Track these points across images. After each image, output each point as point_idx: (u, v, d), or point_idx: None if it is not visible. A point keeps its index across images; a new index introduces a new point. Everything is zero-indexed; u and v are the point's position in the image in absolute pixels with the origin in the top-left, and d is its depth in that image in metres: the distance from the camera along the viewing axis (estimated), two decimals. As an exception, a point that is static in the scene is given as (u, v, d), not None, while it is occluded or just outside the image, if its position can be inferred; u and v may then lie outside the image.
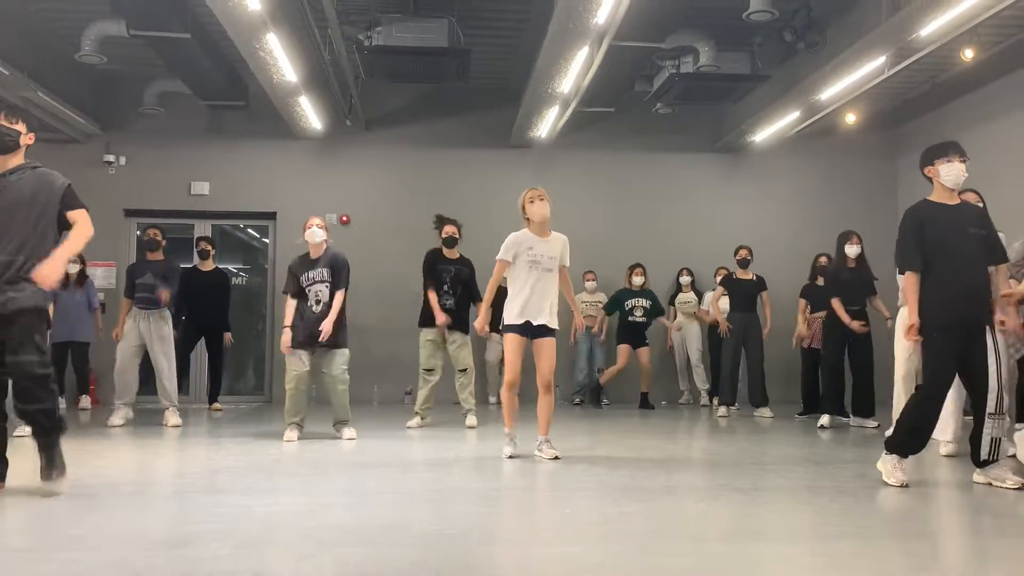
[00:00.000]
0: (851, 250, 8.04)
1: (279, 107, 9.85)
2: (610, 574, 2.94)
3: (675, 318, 10.92)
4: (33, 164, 4.31)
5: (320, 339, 6.57)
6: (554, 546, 3.46)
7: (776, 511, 4.15)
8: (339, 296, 6.71)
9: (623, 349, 9.99)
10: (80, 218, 4.26)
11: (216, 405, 9.62)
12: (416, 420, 7.66)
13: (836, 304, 8.01)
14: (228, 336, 9.74)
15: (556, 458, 5.59)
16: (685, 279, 10.86)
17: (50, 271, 4.04)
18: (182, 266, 8.58)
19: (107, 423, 7.68)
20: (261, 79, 8.81)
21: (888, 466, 4.69)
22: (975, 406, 4.67)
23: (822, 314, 8.47)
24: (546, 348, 5.66)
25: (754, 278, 9.33)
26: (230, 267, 12.04)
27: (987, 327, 4.66)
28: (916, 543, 3.64)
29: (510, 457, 5.65)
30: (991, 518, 4.09)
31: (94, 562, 3.06)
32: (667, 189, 11.60)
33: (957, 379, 4.75)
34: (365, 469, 5.40)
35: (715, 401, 10.36)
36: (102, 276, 10.59)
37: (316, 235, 6.75)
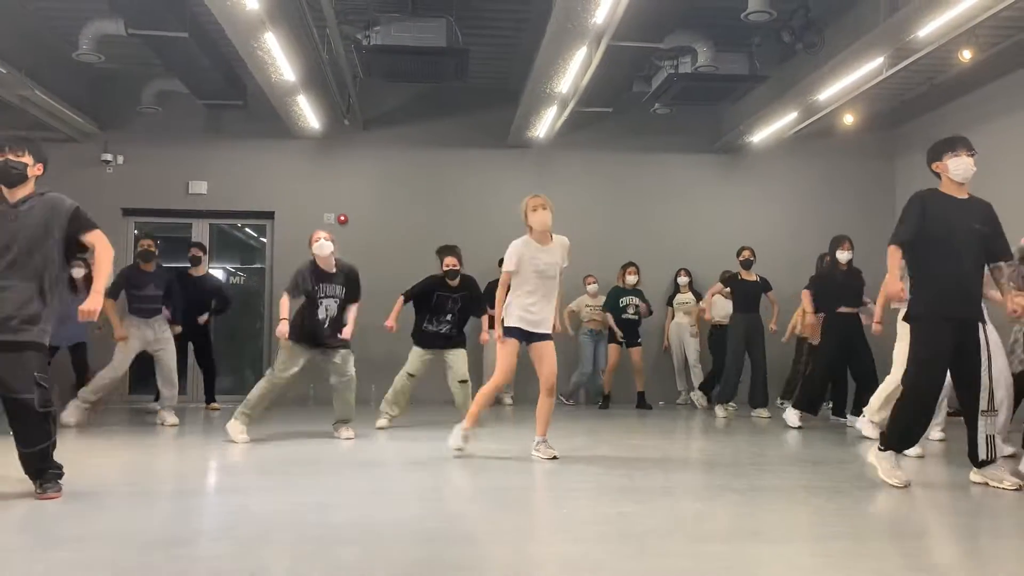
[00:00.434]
0: (843, 256, 8.13)
1: (277, 106, 9.84)
2: (608, 574, 2.94)
3: (672, 319, 10.92)
4: (41, 191, 4.30)
5: (342, 337, 6.75)
6: (552, 545, 3.46)
7: (773, 511, 4.15)
8: (354, 309, 6.88)
9: (613, 348, 10.01)
10: (98, 240, 4.26)
11: (214, 404, 9.61)
12: (384, 419, 7.73)
13: (805, 295, 8.33)
14: (204, 318, 9.60)
15: (554, 458, 5.60)
16: (683, 279, 10.86)
17: (93, 306, 4.13)
18: (174, 265, 8.67)
19: (61, 419, 7.38)
20: (259, 78, 8.80)
21: (886, 464, 4.69)
22: (966, 405, 4.65)
23: (821, 315, 8.50)
24: (547, 352, 5.69)
25: (757, 279, 9.35)
26: (227, 266, 12.05)
27: (980, 324, 4.65)
28: (913, 543, 3.65)
29: (458, 452, 5.71)
30: (988, 519, 4.10)
31: (90, 561, 3.05)
32: (665, 189, 11.60)
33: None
34: (362, 468, 5.40)
35: (693, 396, 10.49)
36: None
37: (324, 248, 6.73)
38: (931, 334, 4.55)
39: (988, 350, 4.65)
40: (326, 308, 6.73)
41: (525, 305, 5.67)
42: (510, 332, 5.68)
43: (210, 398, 9.68)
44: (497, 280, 9.21)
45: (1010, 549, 3.47)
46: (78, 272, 9.01)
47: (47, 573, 2.90)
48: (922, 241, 4.62)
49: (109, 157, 10.86)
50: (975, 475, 4.73)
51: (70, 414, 7.64)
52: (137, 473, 5.42)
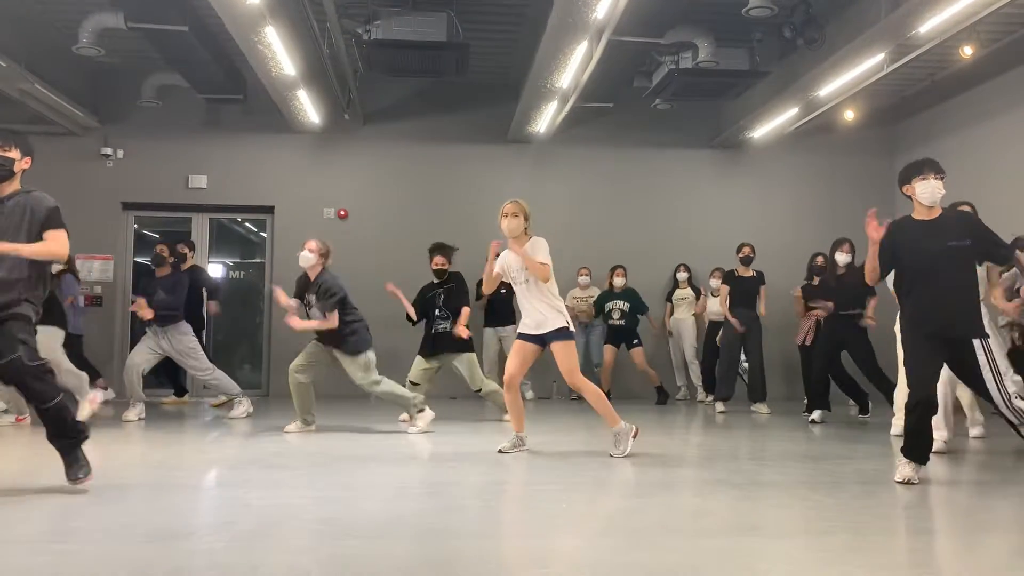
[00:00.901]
0: (841, 258, 8.11)
1: (277, 101, 9.83)
2: (607, 568, 2.94)
3: (671, 314, 10.93)
4: (28, 190, 4.27)
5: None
6: (551, 540, 3.47)
7: (772, 506, 4.16)
8: (327, 316, 6.76)
9: (608, 349, 10.01)
10: (53, 237, 4.16)
11: (184, 398, 9.67)
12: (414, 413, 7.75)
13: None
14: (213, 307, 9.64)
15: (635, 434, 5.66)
16: (682, 275, 10.86)
17: (5, 248, 4.02)
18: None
19: (122, 418, 7.71)
20: (259, 73, 8.79)
21: (910, 472, 4.64)
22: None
23: (817, 312, 8.51)
24: (559, 353, 5.64)
25: (754, 274, 9.36)
26: (227, 261, 12.03)
27: (976, 340, 4.66)
28: (912, 539, 3.66)
29: (516, 448, 5.74)
30: (986, 514, 4.10)
31: (90, 554, 3.06)
32: (665, 185, 11.60)
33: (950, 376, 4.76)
34: (362, 463, 5.40)
35: (683, 391, 10.53)
36: (99, 269, 10.58)
37: (305, 259, 6.80)
38: (917, 352, 4.61)
39: (990, 364, 4.66)
40: (314, 316, 6.79)
41: (522, 313, 5.76)
42: (519, 336, 5.77)
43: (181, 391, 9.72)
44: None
45: (1009, 544, 3.48)
46: (56, 266, 9.01)
47: (50, 565, 2.90)
48: (897, 269, 4.77)
49: (109, 151, 10.85)
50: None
51: (130, 413, 7.76)
52: (136, 467, 5.42)
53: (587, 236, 10.99)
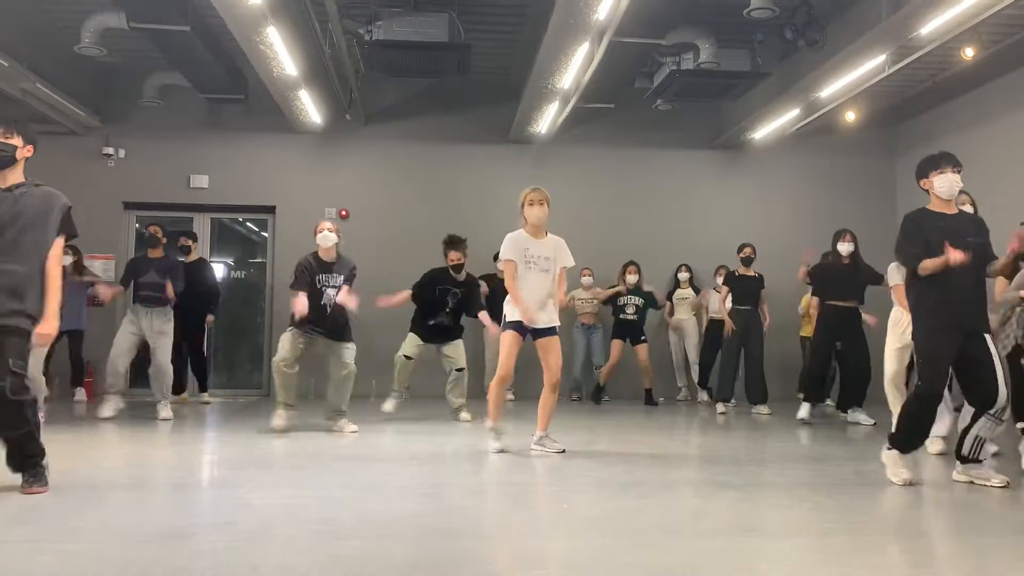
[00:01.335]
0: (843, 247, 8.09)
1: (279, 101, 9.84)
2: (607, 569, 2.95)
3: (672, 314, 10.93)
4: (35, 183, 4.25)
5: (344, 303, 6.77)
6: (551, 540, 3.47)
7: (773, 507, 4.16)
8: (346, 288, 6.85)
9: (616, 344, 10.01)
10: (57, 249, 4.20)
11: (206, 397, 9.66)
12: (392, 403, 7.89)
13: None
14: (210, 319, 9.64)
15: (563, 451, 5.64)
16: (683, 275, 10.87)
17: (49, 330, 4.09)
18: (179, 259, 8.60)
19: (97, 414, 7.64)
20: (261, 73, 8.80)
21: (890, 462, 4.72)
22: (976, 410, 4.66)
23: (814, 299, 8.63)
24: (553, 347, 5.70)
25: (755, 275, 9.36)
26: (228, 260, 12.04)
27: (986, 334, 4.66)
28: (912, 540, 3.66)
29: (500, 452, 5.69)
30: (985, 516, 4.10)
31: (90, 554, 3.06)
32: (666, 186, 11.60)
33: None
34: (362, 463, 5.40)
35: (684, 391, 10.61)
36: (100, 269, 10.57)
37: (328, 239, 6.82)
38: (933, 344, 4.58)
39: (999, 360, 4.66)
40: (330, 297, 6.79)
41: (523, 301, 5.66)
42: (510, 326, 5.69)
43: (202, 389, 9.70)
44: (491, 275, 9.30)
45: (1008, 546, 3.47)
46: (67, 259, 9.02)
47: (49, 565, 2.90)
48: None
49: (110, 150, 10.86)
50: (958, 474, 4.74)
51: (106, 409, 7.68)
52: (136, 466, 5.43)
53: (588, 237, 10.95)
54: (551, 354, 5.69)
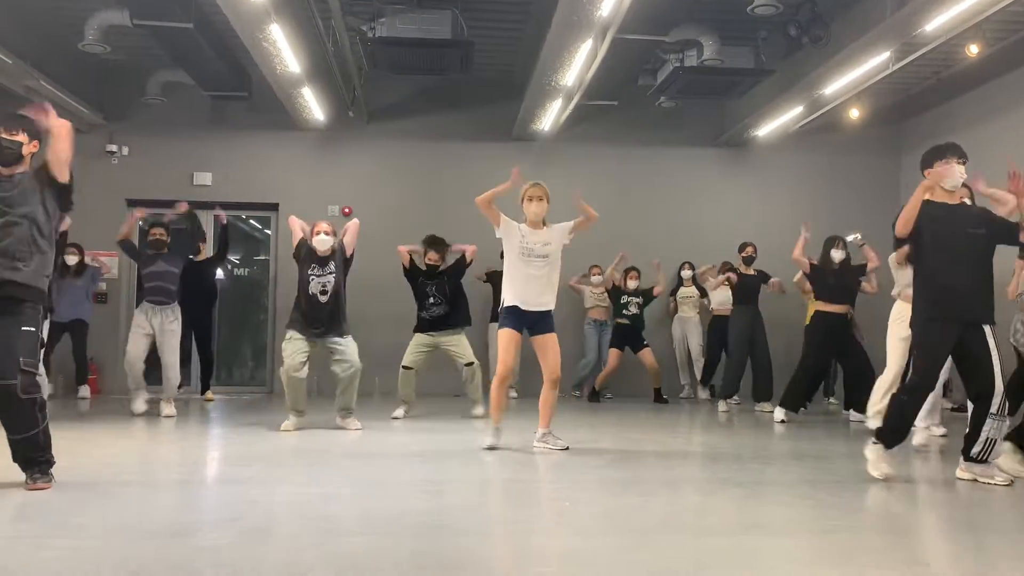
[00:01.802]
0: (836, 255, 8.08)
1: (282, 98, 9.84)
2: (609, 566, 2.95)
3: (675, 312, 10.93)
4: (36, 166, 4.28)
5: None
6: (554, 538, 3.47)
7: (775, 505, 4.16)
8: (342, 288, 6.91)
9: (614, 353, 9.96)
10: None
11: (208, 395, 9.66)
12: (401, 410, 7.80)
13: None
14: None
15: (566, 448, 5.63)
16: (686, 273, 10.85)
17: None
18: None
19: (131, 411, 7.74)
20: (264, 70, 8.80)
21: (873, 456, 4.71)
22: (977, 407, 4.65)
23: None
24: (550, 344, 5.70)
25: (756, 273, 9.37)
26: (231, 258, 12.02)
27: (986, 326, 4.65)
28: (913, 538, 3.66)
29: (489, 448, 5.67)
30: (985, 513, 4.10)
31: (95, 550, 3.07)
32: (670, 183, 11.58)
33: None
34: (366, 460, 5.41)
35: (687, 389, 10.63)
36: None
37: (324, 243, 6.85)
38: (930, 336, 4.58)
39: (998, 352, 4.66)
40: (323, 284, 6.80)
41: (515, 289, 5.70)
42: (506, 324, 5.68)
43: (205, 388, 9.70)
44: (496, 272, 9.29)
45: (1012, 544, 3.47)
46: (71, 259, 9.06)
47: (53, 561, 2.91)
48: (919, 246, 4.69)
49: (114, 148, 10.87)
50: (962, 471, 4.73)
51: (138, 404, 7.83)
52: (139, 463, 5.44)
53: (592, 234, 10.85)
54: (548, 352, 5.69)
